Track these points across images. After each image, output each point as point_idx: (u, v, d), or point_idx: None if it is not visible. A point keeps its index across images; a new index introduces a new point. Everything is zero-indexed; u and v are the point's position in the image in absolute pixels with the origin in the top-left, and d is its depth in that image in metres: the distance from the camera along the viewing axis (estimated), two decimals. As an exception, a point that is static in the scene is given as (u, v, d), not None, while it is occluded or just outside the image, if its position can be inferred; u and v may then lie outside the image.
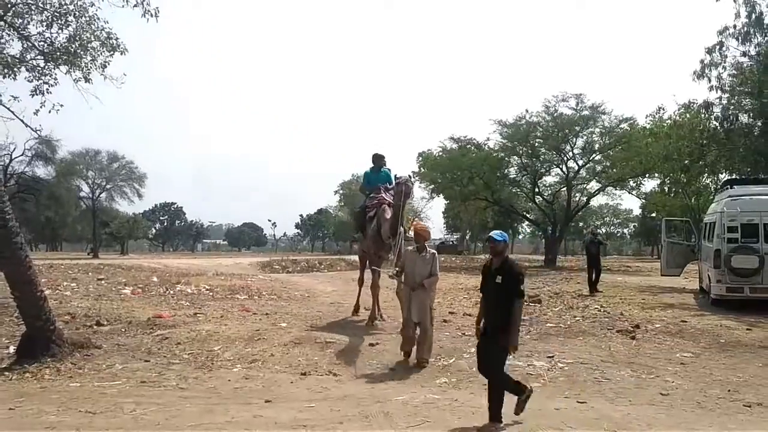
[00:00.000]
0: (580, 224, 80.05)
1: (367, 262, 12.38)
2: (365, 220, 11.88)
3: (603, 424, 5.65)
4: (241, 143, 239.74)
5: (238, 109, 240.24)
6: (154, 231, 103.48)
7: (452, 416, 5.90)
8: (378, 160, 12.49)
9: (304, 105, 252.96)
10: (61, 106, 11.06)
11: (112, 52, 11.04)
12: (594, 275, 17.88)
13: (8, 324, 10.78)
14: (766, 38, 19.31)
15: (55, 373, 7.72)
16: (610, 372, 7.80)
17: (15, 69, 11.06)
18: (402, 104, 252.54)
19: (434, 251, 8.34)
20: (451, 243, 62.11)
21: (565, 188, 39.76)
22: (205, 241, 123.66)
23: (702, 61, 22.26)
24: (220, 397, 6.66)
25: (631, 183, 37.93)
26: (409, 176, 11.07)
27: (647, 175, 35.64)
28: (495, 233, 5.88)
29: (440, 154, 39.19)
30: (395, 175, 11.61)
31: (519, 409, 5.62)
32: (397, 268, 8.64)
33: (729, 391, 6.93)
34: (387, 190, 11.76)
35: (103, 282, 18.15)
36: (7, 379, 7.52)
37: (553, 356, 8.62)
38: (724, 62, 22.27)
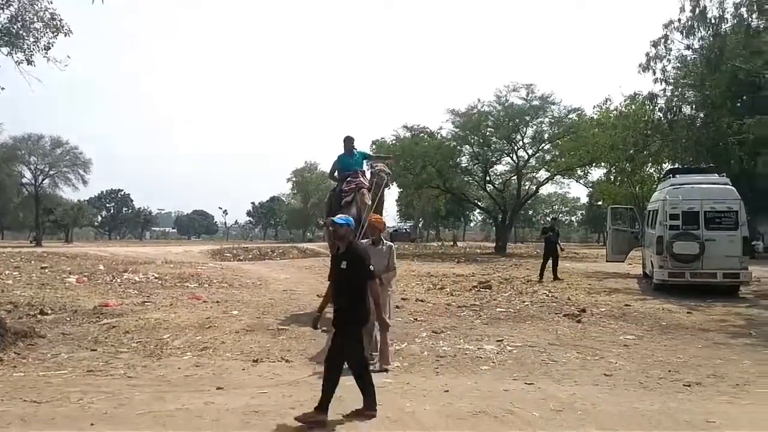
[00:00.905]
0: (530, 212, 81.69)
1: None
2: (340, 205, 10.90)
3: (549, 404, 5.81)
4: (191, 129, 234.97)
5: (195, 95, 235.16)
6: (100, 218, 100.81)
7: (404, 399, 5.96)
8: (349, 142, 11.63)
9: (257, 91, 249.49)
10: (2, 89, 10.70)
11: (56, 34, 10.67)
12: (552, 264, 18.21)
13: (-54, 314, 10.38)
14: (709, 32, 19.92)
15: (-2, 363, 7.48)
16: (557, 354, 8.01)
17: (-47, 51, 10.59)
18: (355, 92, 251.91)
19: (391, 243, 7.75)
20: (404, 231, 62.40)
21: (515, 177, 40.43)
22: (153, 229, 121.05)
23: (647, 54, 22.86)
24: (170, 384, 6.57)
25: (579, 172, 38.82)
26: (386, 164, 10.65)
27: (594, 164, 36.58)
28: (337, 217, 5.80)
29: (393, 142, 39.36)
30: (371, 165, 11.37)
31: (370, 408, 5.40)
32: None
33: (670, 371, 7.19)
34: (364, 175, 11.21)
35: (46, 270, 17.65)
36: (-55, 370, 7.25)
37: (502, 340, 8.80)
38: (669, 55, 22.93)
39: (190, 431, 5.14)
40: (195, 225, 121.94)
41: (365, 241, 7.64)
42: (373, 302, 5.58)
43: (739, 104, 27.58)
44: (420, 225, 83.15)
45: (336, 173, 11.88)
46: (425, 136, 39.03)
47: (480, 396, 6.07)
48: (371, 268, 5.47)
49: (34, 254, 23.96)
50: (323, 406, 5.25)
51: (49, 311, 10.86)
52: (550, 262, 18.18)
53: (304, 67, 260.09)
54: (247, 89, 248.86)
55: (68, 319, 10.32)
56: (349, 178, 11.17)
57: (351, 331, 5.48)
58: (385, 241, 7.64)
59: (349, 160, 11.54)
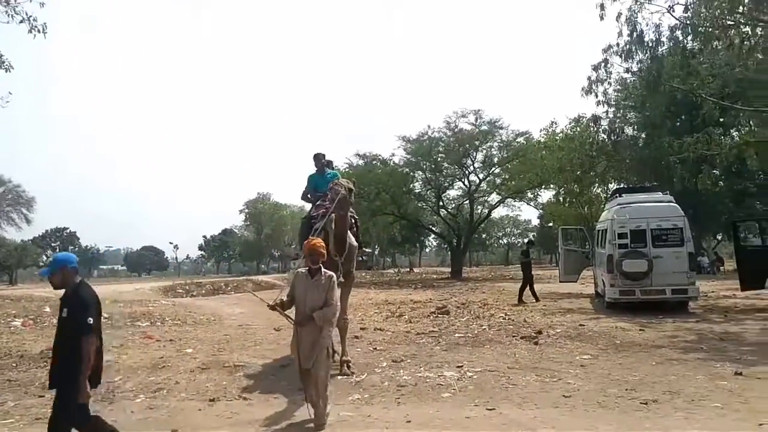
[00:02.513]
0: (483, 236, 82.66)
1: None
2: (311, 232, 9.48)
3: (511, 428, 5.82)
4: (136, 163, 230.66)
5: (140, 127, 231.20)
6: (45, 258, 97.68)
7: (366, 432, 5.89)
8: (319, 160, 10.40)
9: (206, 121, 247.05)
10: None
11: (-6, 70, 10.44)
12: (526, 285, 18.63)
13: None
14: (647, 55, 20.67)
15: (-63, 415, 7.10)
16: (517, 378, 8.04)
17: None
18: (305, 121, 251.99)
19: (332, 273, 6.40)
20: (360, 258, 62.53)
21: (467, 201, 40.99)
22: (101, 267, 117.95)
23: (589, 78, 23.47)
24: (123, 430, 6.31)
25: (529, 194, 39.65)
26: (351, 180, 9.20)
27: (543, 186, 37.46)
28: (45, 269, 4.94)
29: (347, 170, 39.49)
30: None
31: None
32: (282, 297, 6.50)
33: (627, 390, 7.28)
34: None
35: (-11, 315, 16.91)
36: None
37: (462, 366, 8.79)
38: (610, 78, 23.56)
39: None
40: (145, 261, 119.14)
41: (300, 270, 6.46)
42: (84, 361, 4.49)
43: (678, 123, 28.73)
44: (376, 252, 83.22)
45: (309, 195, 10.48)
46: (378, 164, 39.29)
47: (442, 425, 6.03)
48: (90, 321, 4.52)
49: (-25, 298, 22.97)
50: None
51: (-7, 358, 10.40)
52: (526, 283, 18.64)
53: (251, 97, 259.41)
54: (193, 119, 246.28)
55: (14, 364, 9.90)
56: (318, 202, 9.92)
57: (63, 391, 4.62)
58: (324, 271, 6.34)
59: (321, 180, 10.23)
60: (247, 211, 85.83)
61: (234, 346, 11.28)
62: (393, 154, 39.59)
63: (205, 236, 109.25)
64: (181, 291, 33.77)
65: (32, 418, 6.88)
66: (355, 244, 9.36)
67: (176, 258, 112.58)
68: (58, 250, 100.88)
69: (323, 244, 6.63)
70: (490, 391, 7.41)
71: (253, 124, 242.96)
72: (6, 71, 10.59)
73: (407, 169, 38.84)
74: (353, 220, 9.74)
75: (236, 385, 8.21)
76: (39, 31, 10.28)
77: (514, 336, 11.40)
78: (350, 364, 8.86)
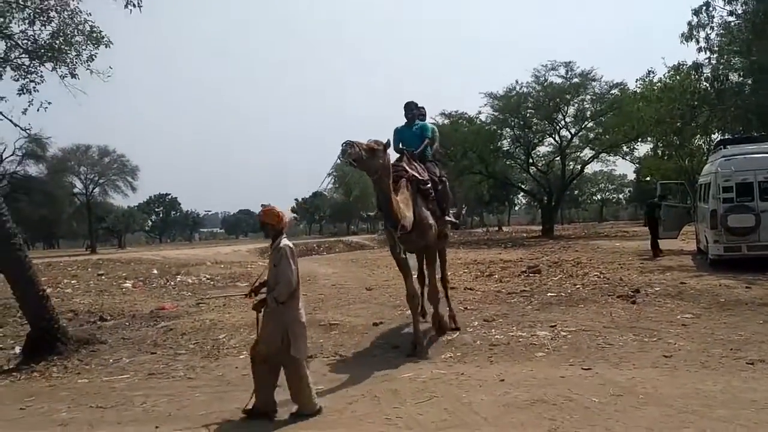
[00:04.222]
0: (576, 192, 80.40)
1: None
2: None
3: (608, 389, 5.71)
4: (236, 129, 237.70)
5: (232, 93, 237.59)
6: (150, 223, 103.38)
7: (459, 390, 5.95)
8: (409, 110, 8.86)
9: (290, 83, 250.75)
10: (49, 103, 11.10)
11: (96, 46, 10.95)
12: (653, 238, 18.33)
13: (12, 324, 10.85)
14: (752, -5, 19.24)
15: (63, 370, 7.76)
16: (613, 337, 7.86)
17: (0, 69, 10.99)
18: (391, 82, 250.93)
19: (283, 245, 5.58)
20: (451, 225, 62.42)
21: (558, 157, 39.81)
22: (201, 230, 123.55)
23: (689, 23, 22.16)
24: (228, 384, 6.71)
25: (625, 148, 38.04)
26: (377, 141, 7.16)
27: (640, 140, 35.79)
28: None
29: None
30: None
31: None
32: (263, 279, 6.04)
33: (731, 349, 6.99)
34: (414, 158, 8.45)
35: (103, 277, 18.20)
36: (15, 380, 7.56)
37: (555, 325, 8.67)
38: (712, 22, 22.20)
39: (251, 429, 5.25)
40: (242, 224, 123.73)
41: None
42: None
43: (788, 68, 26.59)
44: (463, 212, 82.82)
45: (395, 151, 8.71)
46: (464, 122, 38.68)
47: (536, 384, 6.00)
48: None
49: (89, 262, 24.73)
50: None
51: (109, 317, 11.22)
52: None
53: (340, 55, 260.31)
54: (282, 81, 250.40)
55: (127, 323, 10.64)
56: (395, 161, 8.17)
57: None
58: (282, 241, 5.62)
59: (407, 133, 8.78)
60: (334, 174, 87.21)
61: (328, 305, 11.60)
62: (480, 112, 38.80)
63: (296, 199, 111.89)
64: (276, 252, 35.03)
65: (146, 373, 7.40)
66: (430, 221, 8.06)
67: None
68: (161, 215, 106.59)
69: (274, 211, 5.73)
70: (586, 351, 7.29)
71: (340, 88, 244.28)
72: (106, 47, 11.03)
73: (494, 127, 38.03)
74: (433, 181, 8.47)
75: (332, 343, 8.49)
76: (134, 6, 10.61)
77: (609, 295, 11.08)
78: (443, 321, 8.64)
